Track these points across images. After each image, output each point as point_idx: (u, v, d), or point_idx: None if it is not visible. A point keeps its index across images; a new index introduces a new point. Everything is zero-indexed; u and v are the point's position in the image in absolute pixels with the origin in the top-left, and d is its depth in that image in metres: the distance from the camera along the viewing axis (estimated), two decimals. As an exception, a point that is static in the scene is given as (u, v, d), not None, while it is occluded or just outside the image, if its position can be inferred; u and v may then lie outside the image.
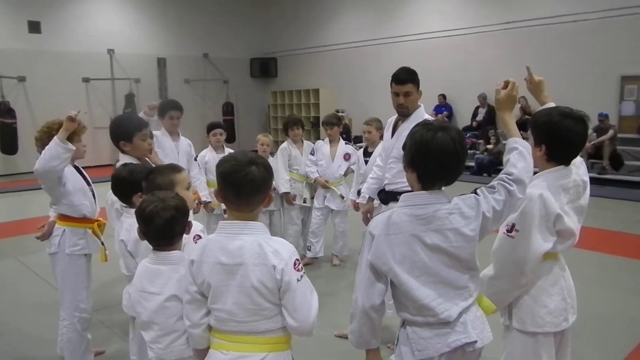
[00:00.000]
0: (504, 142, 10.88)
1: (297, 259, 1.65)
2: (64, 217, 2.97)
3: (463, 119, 11.73)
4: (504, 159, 1.83)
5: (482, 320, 1.75)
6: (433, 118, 3.17)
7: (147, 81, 14.07)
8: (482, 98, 11.28)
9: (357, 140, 11.96)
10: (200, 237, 2.07)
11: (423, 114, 3.22)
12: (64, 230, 2.95)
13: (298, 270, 1.63)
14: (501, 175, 1.75)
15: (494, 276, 2.05)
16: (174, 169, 2.32)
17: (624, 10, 9.24)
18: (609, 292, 4.14)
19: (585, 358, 2.20)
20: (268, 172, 1.68)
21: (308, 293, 1.65)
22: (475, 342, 1.67)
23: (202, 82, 15.12)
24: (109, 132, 3.01)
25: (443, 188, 1.71)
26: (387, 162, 3.35)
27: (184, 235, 1.94)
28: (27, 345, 3.58)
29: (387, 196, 3.35)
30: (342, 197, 4.89)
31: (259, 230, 1.66)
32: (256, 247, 1.61)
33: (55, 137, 2.65)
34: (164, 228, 1.83)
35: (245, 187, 1.62)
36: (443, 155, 1.62)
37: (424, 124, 1.71)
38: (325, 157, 4.89)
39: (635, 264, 5.08)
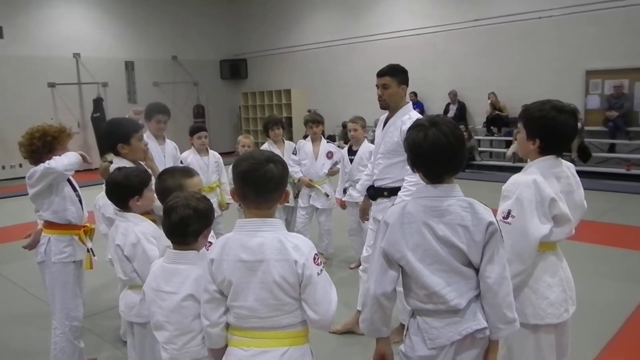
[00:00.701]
0: (475, 137, 11.13)
1: (316, 254, 1.67)
2: (49, 225, 2.91)
3: (434, 115, 11.88)
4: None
5: None
6: (420, 115, 3.21)
7: (115, 85, 13.81)
8: (453, 95, 11.49)
9: (330, 139, 12.01)
10: (210, 243, 2.06)
11: (409, 110, 3.27)
12: (49, 239, 2.89)
13: (318, 264, 1.66)
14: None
15: None
16: (187, 172, 2.31)
17: (587, 6, 9.58)
18: (586, 279, 4.29)
19: (572, 344, 2.31)
20: (285, 169, 1.71)
21: (328, 286, 1.68)
22: (486, 328, 1.70)
23: (172, 85, 14.94)
24: (104, 135, 2.98)
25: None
26: (375, 158, 3.40)
27: (203, 241, 1.92)
28: (16, 357, 3.49)
29: (375, 192, 3.39)
30: (327, 196, 4.91)
31: (277, 226, 1.68)
32: (277, 243, 1.63)
33: (75, 153, 2.85)
34: (177, 225, 1.83)
35: (265, 185, 1.64)
36: (438, 152, 1.65)
37: (415, 125, 1.74)
38: (309, 156, 4.91)
39: (608, 251, 5.30)
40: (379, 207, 3.33)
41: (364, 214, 3.67)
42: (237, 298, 1.66)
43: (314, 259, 1.64)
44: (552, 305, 2.06)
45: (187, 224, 1.83)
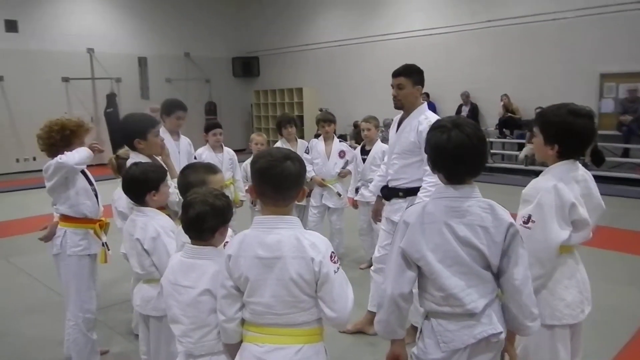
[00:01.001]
0: (488, 139, 11.07)
1: (333, 252, 1.68)
2: (65, 218, 2.95)
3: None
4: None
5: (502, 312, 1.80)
6: (435, 115, 3.24)
7: (128, 80, 13.91)
8: (465, 96, 11.43)
9: (341, 138, 11.99)
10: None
11: (424, 110, 3.26)
12: (65, 231, 2.93)
13: (334, 262, 1.66)
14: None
15: None
16: (210, 169, 2.33)
17: (602, 8, 9.47)
18: (601, 284, 4.26)
19: (585, 349, 2.31)
20: (302, 167, 1.72)
21: (344, 284, 1.69)
22: (501, 332, 1.70)
23: (184, 82, 15.00)
24: (120, 130, 3.01)
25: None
26: (390, 159, 3.39)
27: (221, 238, 1.93)
28: (32, 347, 3.53)
29: (390, 192, 3.39)
30: (339, 195, 4.92)
31: (294, 224, 1.69)
32: (294, 240, 1.64)
33: (86, 148, 2.89)
34: (194, 220, 1.85)
35: (283, 182, 1.65)
36: (462, 154, 1.65)
37: (438, 125, 1.73)
38: (321, 155, 4.91)
39: (621, 257, 5.25)
40: (394, 208, 3.33)
41: (377, 215, 3.67)
42: (254, 294, 1.67)
43: (331, 256, 1.65)
44: (569, 306, 2.07)
45: (203, 220, 1.84)
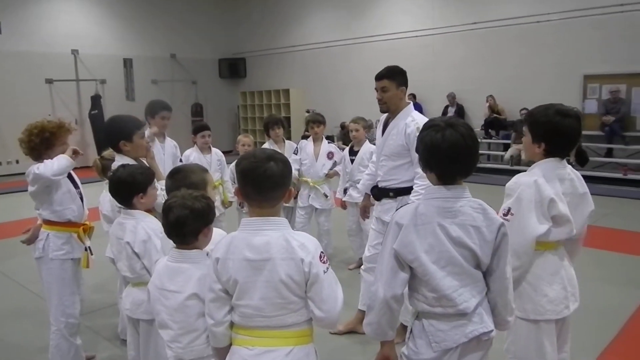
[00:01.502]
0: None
1: (322, 252, 1.67)
2: (47, 222, 2.90)
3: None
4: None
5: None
6: (424, 118, 3.21)
7: (113, 82, 13.77)
8: (451, 97, 11.51)
9: (329, 139, 12.00)
10: None
11: (410, 111, 3.24)
12: (48, 235, 2.88)
13: (324, 262, 1.66)
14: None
15: None
16: (204, 168, 2.34)
17: (586, 11, 9.60)
18: (584, 283, 4.29)
19: (572, 345, 2.35)
20: (287, 168, 1.69)
21: (334, 284, 1.68)
22: (492, 331, 1.72)
23: (170, 83, 14.90)
24: (105, 132, 2.96)
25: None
26: (379, 160, 3.39)
27: (205, 240, 1.92)
28: (14, 353, 3.48)
29: (380, 192, 3.40)
30: (326, 196, 4.92)
31: (282, 225, 1.68)
32: (283, 241, 1.63)
33: (66, 156, 2.75)
34: (174, 225, 1.84)
35: (265, 183, 1.63)
36: (455, 153, 1.66)
37: (431, 124, 1.73)
38: (309, 156, 4.91)
39: (605, 255, 5.31)
40: (384, 208, 3.34)
41: (365, 212, 3.71)
42: (243, 297, 1.65)
43: (320, 257, 1.64)
44: (552, 302, 2.13)
45: (184, 224, 1.82)
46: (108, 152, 3.14)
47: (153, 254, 2.24)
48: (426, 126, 1.76)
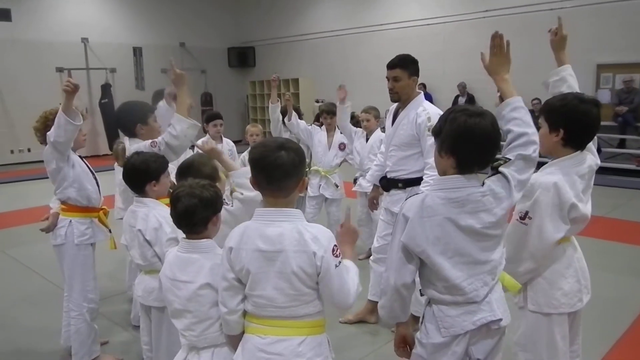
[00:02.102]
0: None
1: (335, 245, 1.66)
2: (68, 207, 2.93)
3: (443, 108, 11.57)
4: (509, 115, 1.79)
5: (504, 300, 1.80)
6: (435, 108, 3.19)
7: (123, 71, 13.78)
8: (462, 87, 11.42)
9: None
10: None
11: (421, 101, 3.21)
12: (71, 221, 2.92)
13: (336, 256, 1.64)
14: (515, 139, 1.75)
15: (507, 259, 2.02)
16: (208, 156, 2.34)
17: (600, -1, 9.46)
18: (600, 274, 4.27)
19: (584, 337, 2.33)
20: (298, 157, 1.66)
21: (345, 276, 1.66)
22: (500, 319, 1.71)
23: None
24: (121, 117, 2.99)
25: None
26: (388, 150, 3.36)
27: (214, 228, 1.91)
28: (29, 338, 3.52)
29: (389, 183, 3.37)
30: (337, 186, 4.91)
31: (296, 216, 1.67)
32: (295, 234, 1.62)
33: (60, 109, 2.64)
34: (183, 214, 1.83)
35: (275, 172, 1.62)
36: (485, 141, 1.64)
37: (462, 109, 1.69)
38: (322, 145, 4.90)
39: (618, 247, 5.28)
40: (393, 199, 3.32)
41: (373, 203, 3.69)
42: (256, 287, 1.65)
43: (333, 250, 1.63)
44: (566, 295, 2.08)
45: (193, 213, 1.82)
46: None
47: (164, 241, 2.24)
48: (457, 110, 1.71)
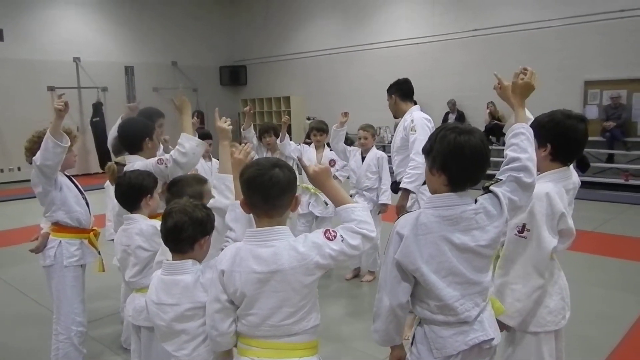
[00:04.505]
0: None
1: (326, 230, 1.64)
2: (59, 228, 2.91)
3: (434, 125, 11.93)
4: (509, 141, 1.85)
5: (494, 319, 1.81)
6: (420, 114, 3.74)
7: (115, 89, 13.81)
8: (452, 104, 11.53)
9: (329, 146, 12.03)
10: None
11: (409, 112, 3.81)
12: (60, 242, 2.89)
13: (334, 237, 1.62)
14: (508, 162, 1.79)
15: (512, 281, 2.04)
16: (200, 180, 2.34)
17: (586, 17, 9.66)
18: (588, 289, 4.31)
19: (569, 355, 2.33)
20: (292, 174, 1.68)
21: (355, 236, 1.64)
22: (493, 339, 1.72)
23: (172, 90, 14.91)
24: (127, 134, 2.88)
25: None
26: (393, 157, 3.91)
27: (202, 251, 1.91)
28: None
29: (396, 185, 3.83)
30: (326, 204, 4.91)
31: (285, 232, 1.66)
32: (290, 250, 1.61)
33: (48, 136, 2.61)
34: (171, 229, 1.84)
35: (271, 190, 1.62)
36: (475, 158, 1.65)
37: (452, 127, 1.71)
38: (312, 162, 4.91)
39: (607, 261, 5.31)
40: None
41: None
42: (252, 307, 1.64)
43: (327, 237, 1.62)
44: (552, 313, 2.10)
45: (181, 230, 1.82)
46: (121, 158, 3.15)
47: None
48: (447, 128, 1.73)
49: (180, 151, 2.65)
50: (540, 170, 2.10)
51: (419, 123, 3.62)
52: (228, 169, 2.06)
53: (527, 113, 2.05)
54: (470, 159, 1.65)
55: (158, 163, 2.64)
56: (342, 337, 3.63)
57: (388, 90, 3.93)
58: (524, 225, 2.01)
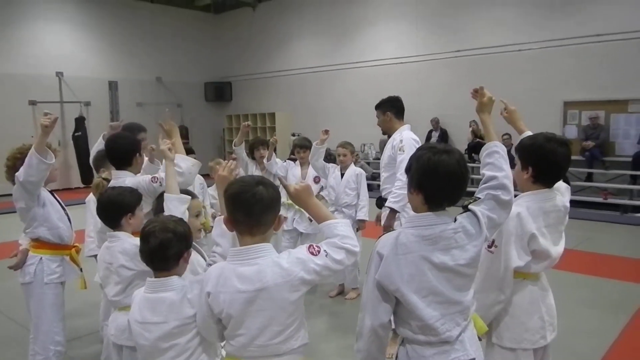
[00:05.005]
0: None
1: (309, 245, 1.66)
2: (39, 244, 2.86)
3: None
4: (484, 160, 1.89)
5: (476, 338, 1.82)
6: (409, 133, 3.77)
7: (98, 104, 13.70)
8: (435, 122, 11.67)
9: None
10: None
11: (399, 131, 3.85)
12: (41, 258, 2.84)
13: (317, 252, 1.64)
14: (486, 181, 1.83)
15: (477, 289, 2.06)
16: (186, 194, 2.34)
17: (564, 40, 9.90)
18: (565, 307, 4.34)
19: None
20: (276, 192, 1.68)
21: (338, 250, 1.67)
22: (474, 359, 1.72)
23: (155, 106, 14.85)
24: (115, 151, 2.85)
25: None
26: (381, 173, 3.97)
27: (184, 265, 1.91)
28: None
29: (381, 201, 3.92)
30: (310, 220, 4.90)
31: (268, 250, 1.66)
32: (274, 267, 1.61)
33: (32, 147, 2.58)
34: (157, 249, 1.81)
35: (255, 207, 1.62)
36: (449, 178, 1.66)
37: (429, 147, 1.74)
38: (296, 178, 4.92)
39: (586, 279, 5.37)
40: (384, 214, 3.79)
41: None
42: (239, 328, 1.64)
43: (311, 253, 1.64)
44: (528, 331, 2.12)
45: (167, 247, 1.81)
46: (107, 173, 3.11)
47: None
48: (423, 147, 1.77)
49: (178, 171, 2.65)
50: (523, 190, 2.16)
51: (407, 143, 3.67)
52: (173, 189, 2.33)
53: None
54: (445, 178, 1.67)
55: (152, 181, 2.62)
56: (324, 354, 3.60)
57: (381, 107, 3.91)
58: (493, 241, 2.06)
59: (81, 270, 3.00)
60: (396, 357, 1.81)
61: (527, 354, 2.13)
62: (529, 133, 2.34)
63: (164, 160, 2.89)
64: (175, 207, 2.21)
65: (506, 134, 9.63)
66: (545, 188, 2.12)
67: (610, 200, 9.24)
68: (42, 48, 12.89)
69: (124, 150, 2.83)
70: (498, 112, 2.43)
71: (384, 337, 1.75)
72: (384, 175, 3.93)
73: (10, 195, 2.86)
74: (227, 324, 1.66)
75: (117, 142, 2.91)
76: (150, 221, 1.89)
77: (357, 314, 1.81)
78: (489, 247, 2.07)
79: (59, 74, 13.14)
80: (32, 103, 12.59)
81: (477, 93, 2.13)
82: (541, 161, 2.09)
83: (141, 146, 2.92)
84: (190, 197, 2.35)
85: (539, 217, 2.07)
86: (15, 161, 2.79)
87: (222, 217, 1.83)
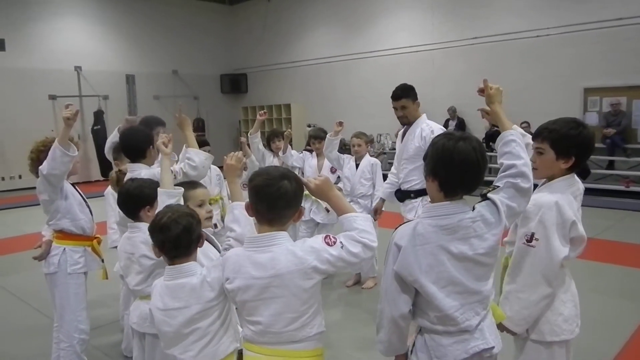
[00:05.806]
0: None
1: (326, 236, 1.67)
2: (62, 235, 2.92)
3: (434, 131, 11.97)
4: (501, 150, 1.86)
5: (495, 327, 1.80)
6: (437, 124, 3.72)
7: (116, 98, 13.88)
8: (452, 111, 11.56)
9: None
10: None
11: (424, 119, 3.77)
12: (65, 249, 2.90)
13: (333, 243, 1.65)
14: (505, 170, 1.80)
15: (519, 289, 2.03)
16: (190, 184, 2.37)
17: (584, 25, 9.69)
18: (587, 296, 4.28)
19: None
20: (299, 187, 1.69)
21: (355, 244, 1.67)
22: (493, 347, 1.71)
23: (172, 99, 14.98)
24: (130, 144, 2.87)
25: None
26: (400, 164, 3.88)
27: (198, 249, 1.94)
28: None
29: (403, 195, 3.88)
30: (327, 210, 4.91)
31: (284, 238, 1.68)
32: (288, 255, 1.63)
33: (56, 144, 2.63)
34: (181, 235, 1.83)
35: (278, 201, 1.64)
36: (465, 164, 1.64)
37: (445, 134, 1.74)
38: (313, 169, 4.94)
39: (608, 268, 5.30)
40: (407, 208, 3.82)
41: (377, 214, 4.35)
42: (254, 313, 1.66)
43: (327, 243, 1.65)
44: (567, 321, 2.06)
45: (190, 232, 1.85)
46: (124, 167, 3.16)
47: None
48: (441, 134, 1.77)
49: (191, 165, 2.72)
50: (552, 178, 2.08)
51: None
52: (165, 184, 2.31)
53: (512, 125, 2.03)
54: (459, 165, 1.64)
55: None
56: (340, 344, 3.62)
57: (410, 95, 3.69)
58: (532, 235, 1.99)
59: (102, 261, 3.05)
60: (413, 345, 1.81)
61: (562, 347, 2.08)
62: (518, 129, 2.19)
63: (184, 148, 2.95)
64: (163, 201, 2.21)
65: (525, 122, 9.50)
66: (570, 173, 2.06)
67: (633, 188, 9.08)
68: (61, 43, 13.06)
69: (138, 143, 2.87)
70: (510, 102, 2.37)
71: (404, 328, 1.75)
72: (407, 167, 3.79)
73: (34, 188, 2.91)
74: (242, 310, 1.69)
75: (130, 136, 2.96)
76: (162, 213, 1.90)
77: (374, 303, 1.82)
78: (529, 241, 1.99)
79: (78, 69, 13.31)
80: (52, 97, 12.79)
81: (482, 93, 2.09)
82: (586, 151, 2.04)
83: (154, 139, 2.94)
84: (182, 189, 2.33)
85: (572, 202, 2.02)
86: (39, 154, 2.84)
87: (233, 203, 1.89)
